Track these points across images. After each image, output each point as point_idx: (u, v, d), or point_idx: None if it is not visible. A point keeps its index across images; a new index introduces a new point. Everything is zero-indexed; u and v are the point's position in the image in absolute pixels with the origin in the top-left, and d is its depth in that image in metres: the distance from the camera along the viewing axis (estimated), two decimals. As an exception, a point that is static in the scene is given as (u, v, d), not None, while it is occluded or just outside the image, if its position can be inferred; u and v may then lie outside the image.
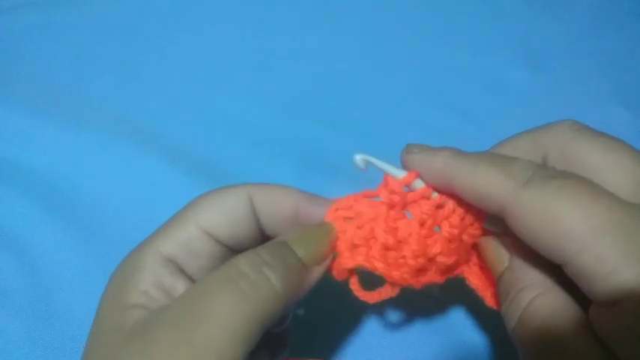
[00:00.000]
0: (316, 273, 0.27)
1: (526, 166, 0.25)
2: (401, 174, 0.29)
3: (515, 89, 0.57)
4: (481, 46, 0.61)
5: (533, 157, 0.27)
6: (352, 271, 0.30)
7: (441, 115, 0.53)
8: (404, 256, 0.29)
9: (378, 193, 0.29)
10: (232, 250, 0.28)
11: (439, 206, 0.29)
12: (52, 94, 0.51)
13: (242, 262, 0.24)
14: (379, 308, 0.40)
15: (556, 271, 0.24)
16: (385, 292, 0.30)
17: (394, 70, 0.57)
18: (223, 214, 0.28)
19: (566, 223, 0.22)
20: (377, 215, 0.29)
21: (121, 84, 0.53)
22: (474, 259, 0.32)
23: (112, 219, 0.43)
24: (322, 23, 0.62)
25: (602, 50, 0.61)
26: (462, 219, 0.29)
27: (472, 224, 0.30)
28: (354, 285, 0.30)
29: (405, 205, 0.29)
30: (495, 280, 0.29)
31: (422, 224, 0.29)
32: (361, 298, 0.30)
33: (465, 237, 0.30)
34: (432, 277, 0.30)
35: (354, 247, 0.29)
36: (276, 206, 0.29)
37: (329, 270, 0.29)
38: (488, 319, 0.38)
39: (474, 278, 0.32)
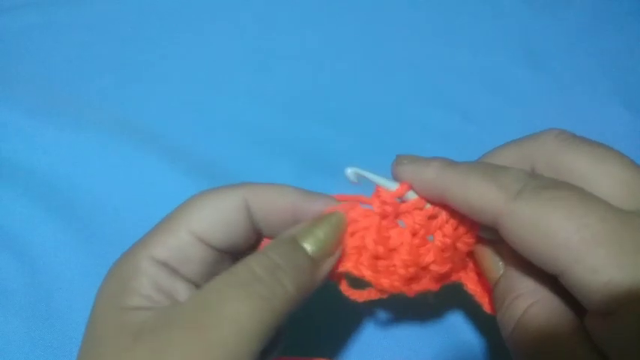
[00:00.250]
0: (326, 266, 0.27)
1: (517, 177, 0.24)
2: (393, 186, 0.29)
3: (515, 89, 0.57)
4: (481, 46, 0.61)
5: (521, 167, 0.27)
6: (342, 275, 0.30)
7: (441, 115, 0.53)
8: (394, 265, 0.29)
9: (371, 202, 0.29)
10: (226, 253, 0.28)
11: (432, 217, 0.29)
12: (52, 94, 0.51)
13: (254, 265, 0.24)
14: (379, 309, 0.40)
15: (551, 278, 0.24)
16: (374, 294, 0.30)
17: (394, 70, 0.57)
18: (216, 220, 0.27)
19: (560, 235, 0.22)
20: (369, 225, 0.29)
21: (121, 84, 0.53)
22: (471, 265, 0.32)
23: (111, 219, 0.43)
24: (322, 23, 0.62)
25: (602, 50, 0.61)
26: (456, 228, 0.29)
27: (466, 233, 0.30)
28: (343, 285, 0.30)
29: (397, 215, 0.29)
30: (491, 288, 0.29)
31: (414, 234, 0.29)
32: (350, 297, 0.30)
33: (459, 245, 0.30)
34: (427, 284, 0.30)
35: (344, 253, 0.29)
36: (274, 206, 0.28)
37: None
38: (488, 321, 0.38)
39: (471, 284, 0.32)
